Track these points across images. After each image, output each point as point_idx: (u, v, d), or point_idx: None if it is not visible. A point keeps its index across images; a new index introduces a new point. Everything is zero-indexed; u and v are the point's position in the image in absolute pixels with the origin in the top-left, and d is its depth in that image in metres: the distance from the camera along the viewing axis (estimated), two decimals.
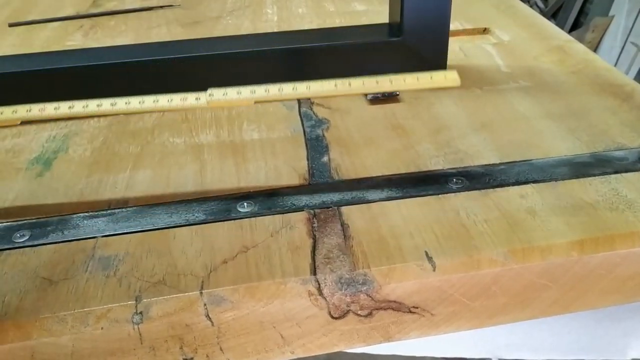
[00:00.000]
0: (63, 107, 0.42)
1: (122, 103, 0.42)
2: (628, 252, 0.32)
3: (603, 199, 0.34)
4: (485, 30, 0.61)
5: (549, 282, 0.32)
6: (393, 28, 0.49)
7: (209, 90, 0.41)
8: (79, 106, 0.42)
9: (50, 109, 0.42)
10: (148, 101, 0.42)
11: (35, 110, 0.42)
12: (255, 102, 0.42)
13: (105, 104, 0.42)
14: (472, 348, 0.48)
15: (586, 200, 0.34)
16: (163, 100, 0.42)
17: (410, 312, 0.31)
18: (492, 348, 0.47)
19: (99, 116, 0.47)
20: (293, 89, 0.41)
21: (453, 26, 0.60)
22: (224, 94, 0.41)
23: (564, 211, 0.33)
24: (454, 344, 0.48)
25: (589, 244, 0.31)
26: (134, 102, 0.42)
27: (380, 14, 0.51)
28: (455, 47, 0.56)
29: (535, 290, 0.32)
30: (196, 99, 0.41)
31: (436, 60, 0.49)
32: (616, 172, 0.37)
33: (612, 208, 0.33)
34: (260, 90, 0.41)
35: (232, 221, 0.34)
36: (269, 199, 0.36)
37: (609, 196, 0.34)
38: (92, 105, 0.42)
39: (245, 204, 0.35)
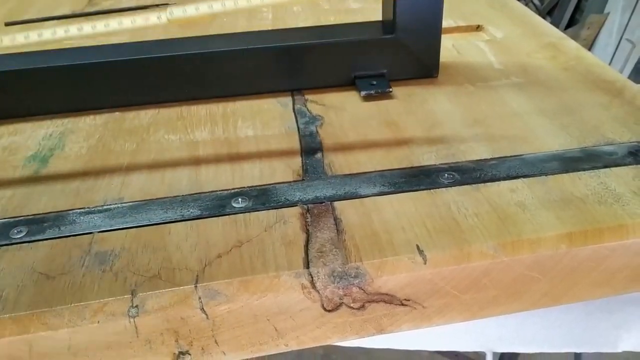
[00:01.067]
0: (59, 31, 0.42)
1: (88, 27, 0.41)
2: (617, 244, 0.32)
3: (592, 192, 0.35)
4: (478, 28, 0.61)
5: (538, 275, 0.32)
6: (386, 26, 0.49)
7: (169, 9, 0.42)
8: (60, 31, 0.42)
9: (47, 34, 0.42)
10: (113, 24, 0.41)
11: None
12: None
13: (72, 30, 0.42)
14: (465, 342, 0.48)
15: (575, 194, 0.35)
16: (127, 22, 0.41)
17: (402, 304, 0.32)
18: (485, 341, 0.48)
19: (94, 114, 0.47)
20: (247, 1, 0.41)
21: (446, 23, 0.60)
22: (183, 12, 0.42)
23: (554, 205, 0.34)
24: (447, 338, 0.48)
25: (577, 237, 0.32)
26: (100, 26, 0.41)
27: (375, 12, 0.52)
28: (449, 44, 0.57)
29: (526, 282, 0.33)
30: (157, 17, 0.41)
31: (429, 57, 0.49)
32: (606, 167, 0.37)
33: (601, 202, 0.34)
34: (217, 5, 0.41)
35: (227, 216, 0.34)
36: (263, 195, 0.36)
37: (598, 190, 0.35)
38: (59, 32, 0.41)
39: (239, 199, 0.36)
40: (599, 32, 1.91)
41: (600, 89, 0.47)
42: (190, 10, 0.41)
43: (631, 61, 1.77)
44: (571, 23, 2.05)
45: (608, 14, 1.88)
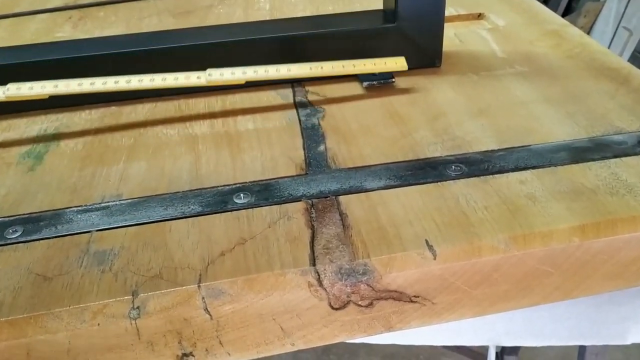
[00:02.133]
0: (85, 84, 0.42)
1: (135, 81, 0.42)
2: (630, 236, 0.31)
3: (603, 183, 0.34)
4: (480, 16, 0.60)
5: (550, 268, 0.32)
6: (387, 14, 0.48)
7: (208, 71, 0.43)
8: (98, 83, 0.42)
9: (74, 85, 0.42)
10: (157, 79, 0.42)
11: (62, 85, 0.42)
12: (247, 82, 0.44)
13: (110, 82, 0.42)
14: (472, 336, 0.47)
15: (586, 185, 0.34)
16: (170, 79, 0.42)
17: (412, 301, 0.31)
18: (492, 335, 0.47)
19: (90, 108, 0.46)
20: (276, 70, 0.43)
21: (448, 12, 0.59)
22: (220, 74, 0.43)
23: (565, 196, 0.33)
24: (454, 332, 0.47)
25: (590, 229, 0.31)
26: (146, 80, 0.42)
27: (375, 0, 0.51)
28: (450, 33, 0.56)
29: (537, 276, 0.32)
30: (197, 77, 0.42)
31: (431, 46, 0.48)
32: (615, 157, 0.36)
33: (613, 192, 0.33)
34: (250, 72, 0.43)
35: (229, 212, 0.33)
36: (265, 190, 0.35)
37: (609, 181, 0.34)
38: (110, 82, 0.42)
39: (241, 195, 0.35)
40: (595, 20, 1.90)
41: (605, 77, 0.46)
42: None
43: (628, 49, 1.76)
44: (568, 11, 2.04)
45: (605, 1, 1.87)
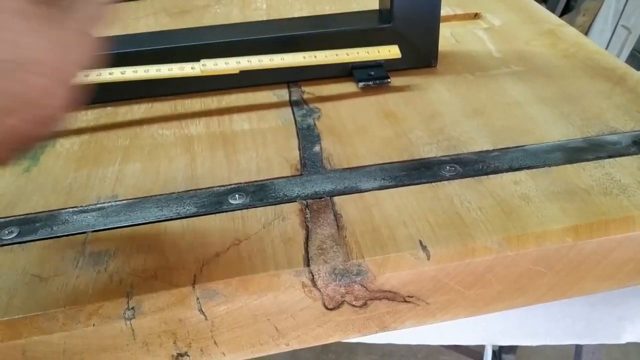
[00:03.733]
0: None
1: (130, 72, 0.43)
2: (623, 236, 0.31)
3: (597, 184, 0.34)
4: (476, 15, 0.60)
5: (544, 269, 0.32)
6: (383, 14, 0.48)
7: (202, 61, 0.43)
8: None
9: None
10: (152, 70, 0.42)
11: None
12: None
13: (104, 74, 0.43)
14: (467, 335, 0.48)
15: (580, 185, 0.34)
16: (164, 69, 0.42)
17: (406, 301, 0.31)
18: (487, 335, 0.47)
19: (86, 109, 0.46)
20: (270, 59, 0.44)
21: (444, 11, 0.59)
22: (214, 64, 0.43)
23: (558, 197, 0.33)
24: (449, 332, 0.48)
25: (583, 230, 0.31)
26: (140, 71, 0.43)
27: (372, 0, 0.51)
28: (447, 33, 0.56)
29: (531, 277, 0.32)
30: (191, 68, 0.43)
31: (427, 46, 0.48)
32: (610, 157, 0.36)
33: (606, 193, 0.33)
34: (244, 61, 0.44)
35: (224, 213, 0.34)
36: (260, 190, 0.35)
37: (603, 181, 0.34)
38: (104, 74, 0.42)
39: (236, 195, 0.35)
40: (594, 18, 1.90)
41: (601, 77, 0.46)
42: None
43: (627, 48, 1.76)
44: (567, 10, 2.04)
45: (603, 0, 1.87)
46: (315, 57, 0.44)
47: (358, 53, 0.45)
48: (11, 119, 0.21)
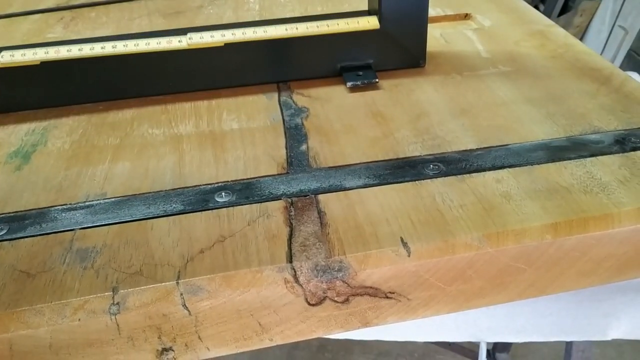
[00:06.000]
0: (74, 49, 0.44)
1: (120, 46, 0.44)
2: (602, 234, 0.32)
3: (578, 182, 0.35)
4: (467, 16, 0.60)
5: (524, 265, 0.32)
6: (371, 15, 0.49)
7: (189, 34, 0.45)
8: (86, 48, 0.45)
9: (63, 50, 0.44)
10: (141, 44, 0.44)
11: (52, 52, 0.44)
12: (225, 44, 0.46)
13: (96, 48, 0.44)
14: (455, 332, 0.48)
15: (561, 183, 0.35)
16: (153, 43, 0.44)
17: (387, 297, 0.31)
18: (475, 331, 0.48)
19: (78, 108, 0.46)
20: (253, 32, 0.46)
21: (434, 12, 0.60)
22: (200, 37, 0.45)
23: (539, 195, 0.34)
24: (437, 329, 0.48)
25: (562, 227, 0.32)
26: (130, 45, 0.44)
27: (362, 1, 0.51)
28: (436, 33, 0.56)
29: (511, 273, 0.32)
30: (179, 41, 0.45)
31: (415, 46, 0.49)
32: (592, 156, 0.37)
33: (587, 191, 0.34)
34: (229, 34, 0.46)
35: (210, 211, 0.34)
36: (246, 189, 0.36)
37: (583, 179, 0.35)
38: (97, 48, 0.44)
39: (223, 193, 0.35)
40: (591, 19, 1.90)
41: (587, 77, 0.47)
42: None
43: (624, 48, 1.76)
44: (564, 10, 2.04)
45: (601, 0, 1.87)
46: (297, 28, 0.46)
47: (338, 24, 0.46)
48: None
